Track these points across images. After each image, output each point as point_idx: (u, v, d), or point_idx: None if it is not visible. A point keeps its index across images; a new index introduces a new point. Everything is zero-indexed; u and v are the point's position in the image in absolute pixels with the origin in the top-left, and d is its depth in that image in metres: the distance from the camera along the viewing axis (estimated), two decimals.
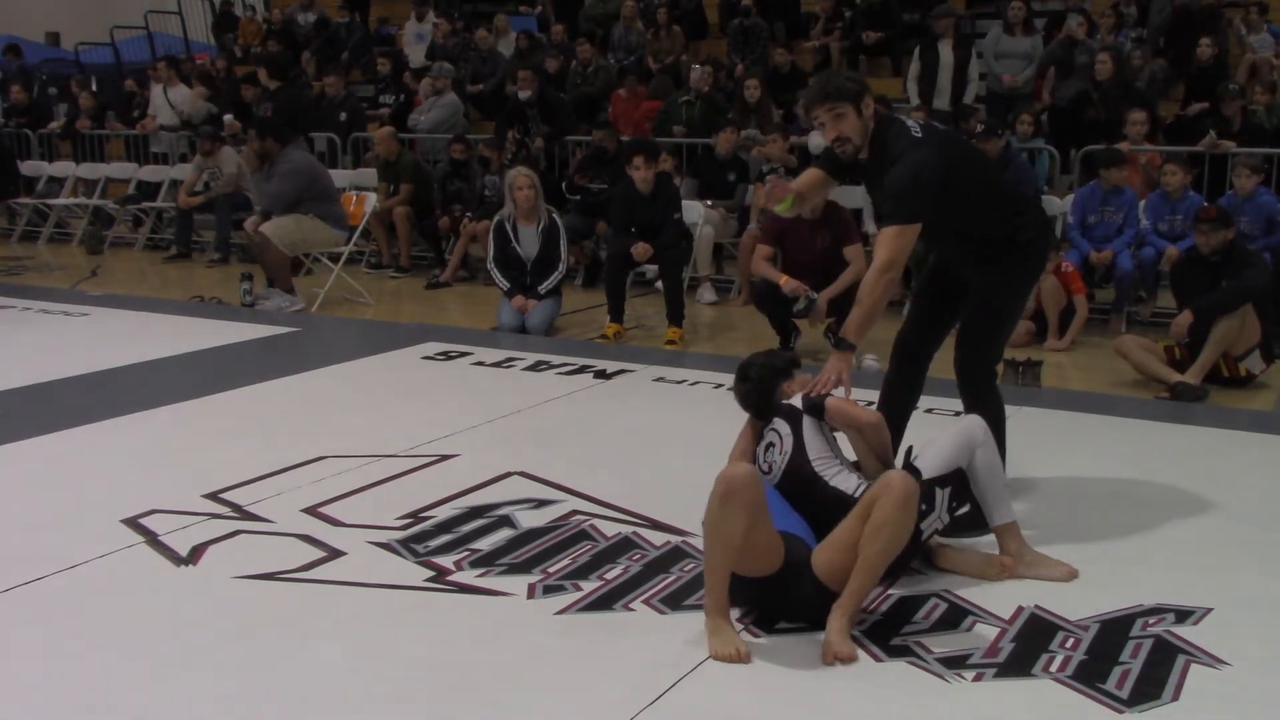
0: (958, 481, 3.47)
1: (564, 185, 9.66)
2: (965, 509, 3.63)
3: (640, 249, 7.34)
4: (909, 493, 3.11)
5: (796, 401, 3.68)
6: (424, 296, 9.19)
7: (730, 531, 3.02)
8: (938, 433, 5.10)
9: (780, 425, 3.64)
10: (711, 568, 3.10)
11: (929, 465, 3.49)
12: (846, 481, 3.50)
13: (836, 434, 3.70)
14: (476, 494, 4.29)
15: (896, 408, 4.28)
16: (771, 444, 3.64)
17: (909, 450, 3.62)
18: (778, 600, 3.25)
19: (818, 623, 3.14)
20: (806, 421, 3.60)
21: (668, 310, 7.40)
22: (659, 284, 7.94)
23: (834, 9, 12.23)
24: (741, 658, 3.03)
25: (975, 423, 3.63)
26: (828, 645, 3.05)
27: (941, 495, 3.44)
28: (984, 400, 4.05)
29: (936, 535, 3.57)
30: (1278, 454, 4.89)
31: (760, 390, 3.74)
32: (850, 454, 3.71)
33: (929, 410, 5.49)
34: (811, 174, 4.27)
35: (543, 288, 7.50)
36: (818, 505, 3.46)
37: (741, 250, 8.65)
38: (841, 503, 3.38)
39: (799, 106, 3.85)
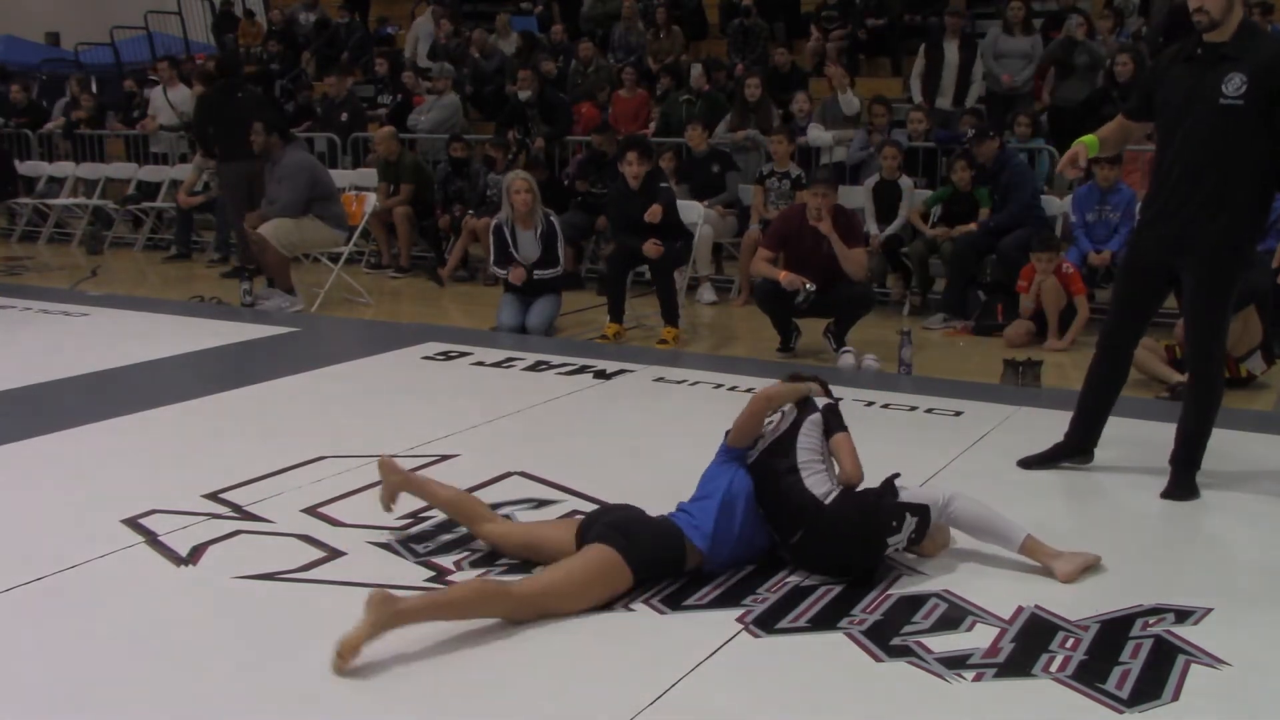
0: (923, 517, 3.55)
1: (565, 183, 9.67)
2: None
3: (650, 246, 7.29)
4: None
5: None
6: (424, 296, 9.19)
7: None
8: (939, 432, 5.14)
9: (791, 408, 3.82)
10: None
11: (907, 494, 3.60)
12: (819, 484, 3.59)
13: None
14: (476, 494, 4.28)
15: (1099, 399, 4.54)
16: (772, 421, 3.80)
17: (895, 476, 3.66)
18: None
19: None
20: (813, 416, 3.75)
21: (661, 310, 7.40)
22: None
23: (839, 10, 12.24)
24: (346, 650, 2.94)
25: (945, 487, 3.74)
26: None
27: (911, 521, 3.52)
28: (1210, 390, 4.35)
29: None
30: (1278, 454, 4.89)
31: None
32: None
33: (929, 410, 5.50)
34: (1114, 125, 4.56)
35: (539, 274, 7.47)
36: (783, 497, 3.58)
37: (743, 250, 8.64)
38: (805, 505, 3.52)
39: None
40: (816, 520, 3.51)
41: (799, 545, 3.56)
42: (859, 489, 3.62)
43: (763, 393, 3.83)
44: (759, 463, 3.70)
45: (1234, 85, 4.02)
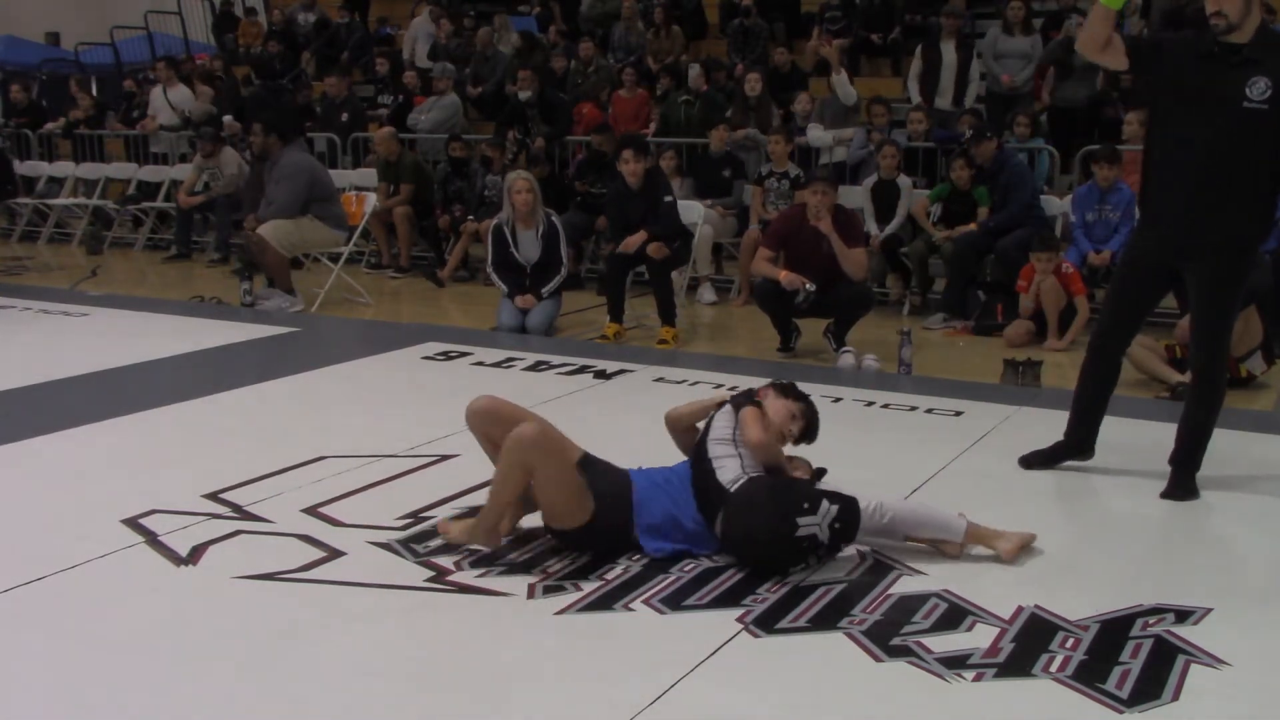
0: (847, 507, 3.54)
1: (565, 183, 9.66)
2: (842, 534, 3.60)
3: (655, 248, 7.29)
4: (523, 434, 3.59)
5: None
6: (424, 296, 9.19)
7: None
8: (939, 432, 5.13)
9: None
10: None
11: (829, 486, 3.63)
12: (727, 472, 3.62)
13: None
14: (477, 494, 4.27)
15: (1094, 398, 4.52)
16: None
17: (821, 471, 3.70)
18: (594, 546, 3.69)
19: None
20: (724, 408, 3.86)
21: (659, 310, 7.40)
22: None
23: (841, 8, 12.24)
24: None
25: (872, 494, 3.68)
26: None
27: (828, 507, 3.52)
28: (1214, 390, 4.33)
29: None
30: (1278, 454, 4.89)
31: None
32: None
33: (929, 410, 5.50)
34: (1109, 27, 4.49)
35: (545, 291, 7.48)
36: (702, 494, 3.66)
37: (743, 250, 8.64)
38: (715, 496, 3.59)
39: None
40: (725, 506, 3.56)
41: (723, 536, 3.60)
42: (772, 472, 3.68)
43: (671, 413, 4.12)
44: (693, 459, 3.78)
45: (1259, 89, 4.00)
